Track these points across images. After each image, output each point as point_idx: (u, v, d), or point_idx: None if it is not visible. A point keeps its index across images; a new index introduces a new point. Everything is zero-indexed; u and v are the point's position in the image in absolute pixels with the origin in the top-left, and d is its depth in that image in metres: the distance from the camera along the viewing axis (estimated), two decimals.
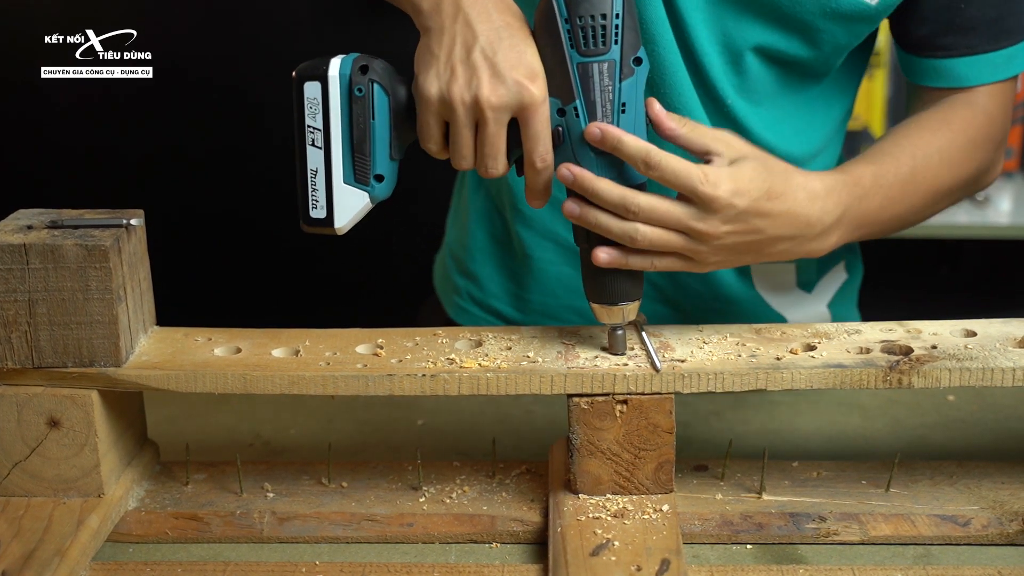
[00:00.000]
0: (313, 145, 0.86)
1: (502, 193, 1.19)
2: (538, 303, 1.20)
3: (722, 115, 1.04)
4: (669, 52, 1.00)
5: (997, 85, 1.05)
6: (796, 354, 0.85)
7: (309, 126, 0.85)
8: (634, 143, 0.81)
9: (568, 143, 0.83)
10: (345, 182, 0.86)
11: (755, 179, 0.84)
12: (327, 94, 0.84)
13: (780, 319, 1.18)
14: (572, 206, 0.83)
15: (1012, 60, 1.04)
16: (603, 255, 0.83)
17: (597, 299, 0.86)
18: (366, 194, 0.87)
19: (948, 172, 1.02)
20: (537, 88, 0.81)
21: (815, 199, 0.87)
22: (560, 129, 0.83)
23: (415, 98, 0.84)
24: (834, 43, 1.01)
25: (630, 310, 0.86)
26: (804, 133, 1.09)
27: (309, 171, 0.86)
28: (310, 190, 0.87)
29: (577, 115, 0.82)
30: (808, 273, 1.19)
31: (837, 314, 1.23)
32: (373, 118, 0.84)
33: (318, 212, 0.87)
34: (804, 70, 1.05)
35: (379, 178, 0.86)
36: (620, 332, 0.87)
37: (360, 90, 0.84)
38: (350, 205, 0.87)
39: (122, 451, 0.89)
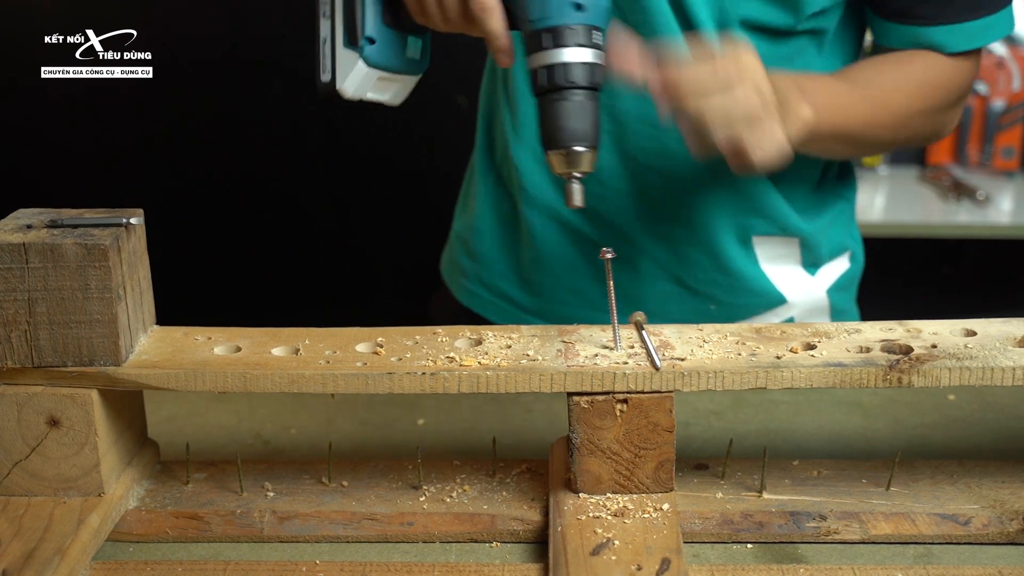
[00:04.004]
0: (324, 16, 0.95)
1: (512, 175, 1.20)
2: (539, 283, 1.21)
3: None
4: (668, 28, 1.04)
5: (969, 51, 1.08)
6: (796, 353, 0.85)
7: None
8: (659, 82, 0.85)
9: None
10: (344, 45, 0.95)
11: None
12: None
13: (780, 298, 1.19)
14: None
15: (988, 29, 1.08)
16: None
17: (551, 145, 0.86)
18: (358, 55, 0.95)
19: (904, 98, 1.06)
20: None
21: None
22: None
23: None
24: (813, 8, 1.05)
25: (585, 158, 0.86)
26: None
27: (320, 40, 0.96)
28: (320, 57, 0.96)
29: None
30: (813, 253, 1.19)
31: (836, 302, 1.24)
32: None
33: (325, 76, 0.96)
34: (791, 46, 1.07)
35: (370, 40, 0.95)
36: (576, 185, 0.87)
37: None
38: (348, 67, 0.96)
39: (122, 450, 0.89)
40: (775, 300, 1.19)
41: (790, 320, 1.21)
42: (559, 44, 0.84)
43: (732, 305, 1.19)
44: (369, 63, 0.95)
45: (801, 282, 1.21)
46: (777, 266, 1.19)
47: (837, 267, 1.25)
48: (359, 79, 0.96)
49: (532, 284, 1.22)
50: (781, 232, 1.17)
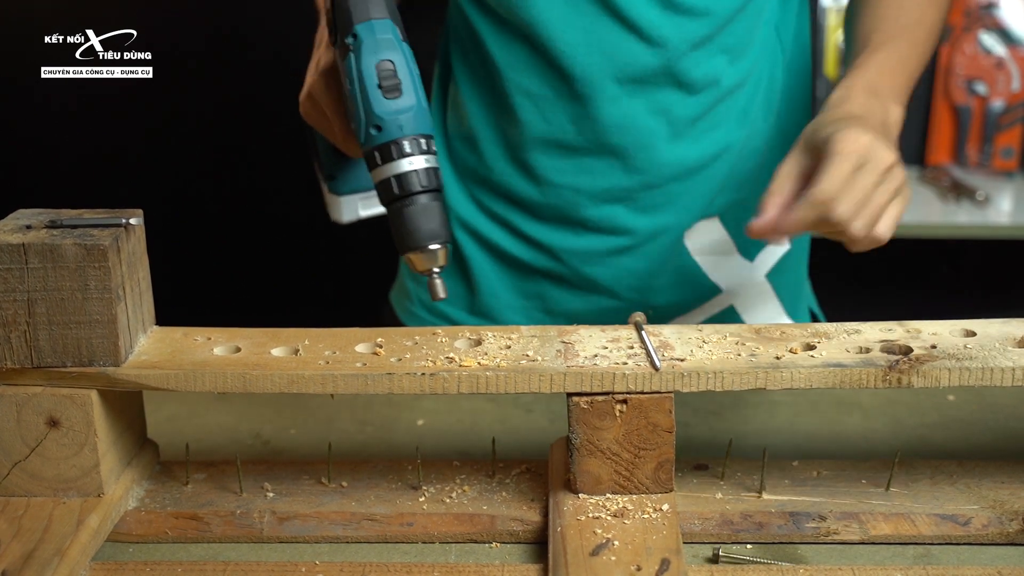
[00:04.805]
0: (314, 159, 1.10)
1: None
2: (482, 304, 1.21)
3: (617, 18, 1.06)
4: None
5: None
6: (796, 353, 0.85)
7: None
8: (795, 220, 0.88)
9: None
10: (324, 182, 1.09)
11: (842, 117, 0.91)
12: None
13: (715, 288, 1.17)
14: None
15: None
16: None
17: (408, 248, 0.90)
18: (327, 187, 1.08)
19: (934, 10, 1.06)
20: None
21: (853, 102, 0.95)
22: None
23: None
24: None
25: (441, 254, 0.90)
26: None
27: (323, 189, 1.10)
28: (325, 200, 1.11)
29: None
30: (746, 237, 1.18)
31: (778, 287, 1.21)
32: (316, 138, 1.07)
33: (329, 211, 1.10)
34: None
35: (329, 177, 1.07)
36: (438, 280, 0.90)
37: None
38: (331, 200, 1.09)
39: (122, 451, 0.89)
40: (709, 291, 1.18)
41: (731, 309, 1.19)
42: (387, 160, 0.90)
43: (668, 305, 1.18)
44: (340, 193, 1.07)
45: (737, 269, 1.18)
46: (711, 256, 1.17)
47: (776, 249, 1.21)
48: (342, 207, 1.08)
49: (474, 304, 1.22)
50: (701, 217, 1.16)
